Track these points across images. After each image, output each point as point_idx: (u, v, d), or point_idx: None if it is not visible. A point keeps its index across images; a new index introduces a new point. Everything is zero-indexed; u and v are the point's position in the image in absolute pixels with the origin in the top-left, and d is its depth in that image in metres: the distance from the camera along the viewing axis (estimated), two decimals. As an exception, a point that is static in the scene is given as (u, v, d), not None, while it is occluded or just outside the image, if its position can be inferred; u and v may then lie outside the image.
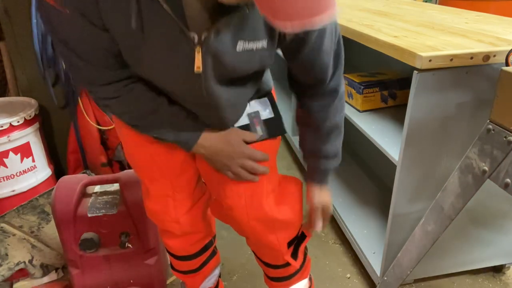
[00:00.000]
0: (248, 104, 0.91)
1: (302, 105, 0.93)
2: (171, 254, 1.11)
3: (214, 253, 1.17)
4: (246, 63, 0.74)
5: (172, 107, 0.83)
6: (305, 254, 1.10)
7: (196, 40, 0.66)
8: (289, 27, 0.47)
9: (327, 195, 1.01)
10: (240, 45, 0.70)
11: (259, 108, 0.92)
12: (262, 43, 0.72)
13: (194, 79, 0.72)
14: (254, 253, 1.10)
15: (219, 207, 0.99)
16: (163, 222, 1.02)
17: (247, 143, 0.89)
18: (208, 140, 0.86)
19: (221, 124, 0.87)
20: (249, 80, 0.85)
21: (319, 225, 1.02)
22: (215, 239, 1.18)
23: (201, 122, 0.86)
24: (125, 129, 0.91)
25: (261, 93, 0.94)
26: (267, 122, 0.92)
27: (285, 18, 0.46)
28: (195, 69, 0.69)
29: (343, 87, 0.92)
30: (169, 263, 1.18)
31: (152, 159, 0.93)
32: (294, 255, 1.03)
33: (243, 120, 0.91)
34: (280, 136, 0.98)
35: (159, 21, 0.64)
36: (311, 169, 1.00)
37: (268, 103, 0.94)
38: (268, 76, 0.95)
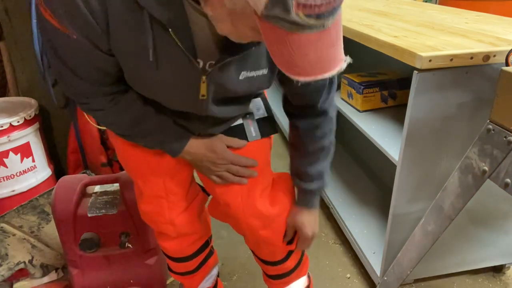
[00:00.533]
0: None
1: (292, 125, 0.95)
2: (168, 256, 1.11)
3: (211, 253, 1.17)
4: (246, 88, 0.77)
5: (159, 116, 0.84)
6: (302, 252, 1.10)
7: (201, 67, 0.69)
8: (301, 79, 0.50)
9: (315, 220, 1.03)
10: (243, 75, 0.73)
11: (253, 109, 0.94)
12: (263, 71, 0.75)
13: (197, 103, 0.75)
14: (253, 252, 1.10)
15: (217, 205, 1.01)
16: (157, 223, 1.01)
17: (233, 148, 0.91)
18: (193, 147, 0.88)
19: (214, 128, 0.89)
20: (246, 99, 0.88)
21: (303, 248, 1.05)
22: (211, 240, 1.18)
23: (188, 129, 0.88)
24: None
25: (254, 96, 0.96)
26: (260, 122, 0.94)
27: (300, 73, 0.50)
28: (200, 96, 0.73)
29: (335, 112, 0.94)
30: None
31: (145, 159, 0.93)
32: (290, 243, 1.03)
33: (238, 121, 0.93)
34: (273, 135, 0.99)
35: (170, 51, 0.66)
36: (301, 192, 1.01)
37: (262, 103, 0.96)
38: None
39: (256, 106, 0.96)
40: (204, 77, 0.70)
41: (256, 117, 0.94)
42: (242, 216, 0.95)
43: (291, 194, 1.02)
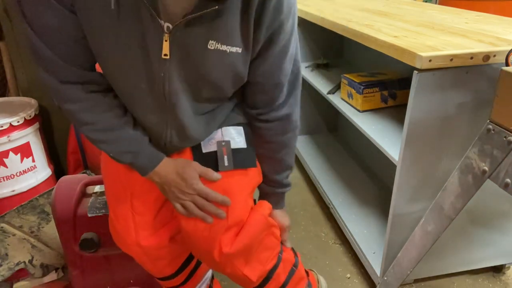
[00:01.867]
0: (220, 130, 0.90)
1: (256, 132, 0.93)
2: (152, 275, 1.06)
3: (199, 263, 1.11)
4: (217, 65, 0.74)
5: (136, 130, 0.83)
6: (291, 272, 1.03)
7: (165, 28, 0.68)
8: None
9: (286, 215, 1.06)
10: (212, 44, 0.71)
11: (232, 136, 0.90)
12: (237, 49, 0.74)
13: (159, 72, 0.72)
14: None
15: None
16: (125, 244, 0.96)
17: (206, 178, 0.85)
18: (164, 169, 0.84)
19: (181, 138, 0.85)
20: (218, 101, 0.85)
21: (289, 244, 1.06)
22: None
23: (161, 149, 0.86)
24: None
25: (238, 121, 0.93)
26: (237, 152, 0.89)
27: None
28: (162, 56, 0.70)
29: (298, 122, 0.93)
30: None
31: (118, 175, 0.91)
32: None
33: (211, 147, 0.88)
34: (255, 170, 0.94)
35: (133, 4, 0.65)
36: (269, 195, 1.01)
37: (243, 132, 0.92)
38: (241, 110, 0.95)
39: (236, 133, 0.91)
40: (166, 35, 0.68)
41: (233, 147, 0.89)
42: (201, 249, 0.89)
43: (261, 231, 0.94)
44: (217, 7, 0.67)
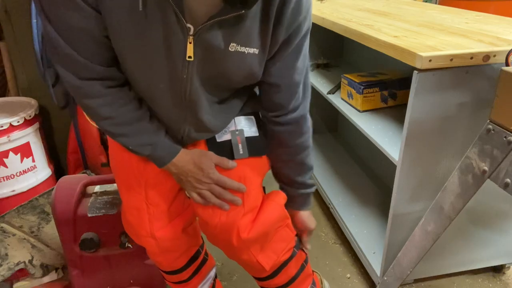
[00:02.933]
0: (233, 120, 0.92)
1: (276, 136, 0.94)
2: (159, 268, 1.08)
3: (204, 260, 1.13)
4: (236, 66, 0.76)
5: (153, 122, 0.84)
6: (300, 269, 1.05)
7: (191, 31, 0.69)
8: None
9: (312, 218, 1.06)
10: (233, 47, 0.73)
11: (244, 126, 0.93)
12: (254, 50, 0.75)
13: (184, 68, 0.73)
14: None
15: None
16: (138, 237, 0.97)
17: (222, 168, 0.88)
18: (181, 160, 0.86)
19: (199, 131, 0.87)
20: (234, 96, 0.87)
21: (309, 246, 1.07)
22: (203, 248, 1.15)
23: (177, 141, 0.87)
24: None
25: (249, 111, 0.95)
26: (250, 140, 0.92)
27: None
28: (187, 58, 0.71)
29: (310, 121, 0.95)
30: None
31: (130, 167, 0.92)
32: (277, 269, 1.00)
33: (225, 136, 0.91)
34: (265, 157, 0.97)
35: (159, 6, 0.66)
36: (292, 198, 1.01)
37: (254, 121, 0.95)
38: (258, 99, 0.96)
39: (248, 122, 0.94)
40: (191, 38, 0.70)
41: (246, 135, 0.92)
42: (219, 236, 0.91)
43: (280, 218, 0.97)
44: (243, 11, 0.68)
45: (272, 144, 0.96)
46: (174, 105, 0.81)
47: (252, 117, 0.95)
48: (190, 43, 0.70)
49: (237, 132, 0.91)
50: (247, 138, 0.91)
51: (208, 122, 0.85)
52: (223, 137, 0.91)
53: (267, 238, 0.93)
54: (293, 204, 1.03)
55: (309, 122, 0.95)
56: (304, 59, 0.85)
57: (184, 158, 0.87)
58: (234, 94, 0.89)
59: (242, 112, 0.94)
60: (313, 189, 1.03)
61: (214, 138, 0.92)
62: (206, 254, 1.17)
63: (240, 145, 0.90)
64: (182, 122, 0.85)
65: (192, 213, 1.02)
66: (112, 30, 0.70)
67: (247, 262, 0.96)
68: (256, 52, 0.76)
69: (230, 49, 0.73)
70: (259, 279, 1.05)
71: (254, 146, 0.92)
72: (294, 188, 1.01)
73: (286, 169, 0.99)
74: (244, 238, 0.88)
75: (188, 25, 0.68)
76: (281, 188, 1.02)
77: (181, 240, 1.00)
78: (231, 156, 0.89)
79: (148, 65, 0.74)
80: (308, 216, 1.05)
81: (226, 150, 0.90)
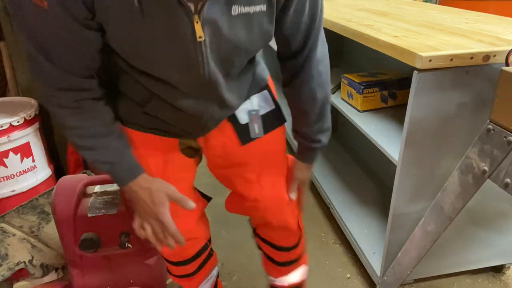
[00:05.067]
0: (249, 100, 0.93)
1: (289, 85, 0.92)
2: (166, 260, 1.10)
3: (210, 255, 1.16)
4: (245, 32, 0.73)
5: (121, 140, 0.83)
6: (304, 242, 1.16)
7: (193, 9, 0.66)
8: None
9: (311, 172, 1.06)
10: (236, 9, 0.70)
11: (260, 104, 0.94)
12: (260, 7, 0.72)
13: (197, 50, 0.71)
14: (266, 241, 1.12)
15: (239, 201, 1.03)
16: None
17: (180, 205, 0.87)
18: (138, 185, 0.84)
19: (221, 110, 0.85)
20: (246, 68, 0.85)
21: (293, 195, 1.05)
22: (210, 242, 1.17)
23: (201, 128, 0.86)
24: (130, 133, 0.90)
25: (259, 86, 0.94)
26: (266, 116, 0.94)
27: None
28: (198, 38, 0.68)
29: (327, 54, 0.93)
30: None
31: (148, 167, 0.91)
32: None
33: (244, 118, 0.92)
34: (285, 123, 1.01)
35: None
36: (303, 149, 1.01)
37: (268, 95, 0.96)
38: (262, 66, 0.96)
39: (264, 100, 0.95)
40: (196, 16, 0.67)
41: (262, 113, 0.94)
42: (270, 206, 1.00)
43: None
44: None
45: (292, 96, 0.94)
46: (194, 91, 0.78)
47: (265, 91, 0.95)
48: (197, 22, 0.67)
49: (253, 112, 0.93)
50: (263, 116, 0.94)
51: (228, 97, 0.83)
52: (242, 119, 0.93)
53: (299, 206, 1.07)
54: (301, 155, 1.02)
55: (325, 66, 0.92)
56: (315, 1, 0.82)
57: (142, 184, 0.84)
58: (246, 66, 0.87)
59: (256, 88, 0.94)
60: (318, 145, 1.00)
61: (238, 121, 0.93)
62: (211, 249, 1.18)
63: (256, 125, 0.93)
64: (205, 107, 0.82)
65: (203, 204, 1.08)
66: (114, 31, 0.68)
67: (288, 224, 1.05)
68: (264, 9, 0.73)
69: (233, 13, 0.70)
70: (286, 249, 1.12)
71: (270, 122, 0.95)
72: (299, 137, 1.00)
73: (297, 120, 0.97)
74: (288, 199, 1.01)
75: (189, 4, 0.65)
76: (294, 138, 1.02)
77: (194, 232, 1.05)
78: (249, 136, 0.93)
79: (161, 58, 0.71)
80: (302, 168, 1.03)
81: (242, 131, 0.93)
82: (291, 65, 0.89)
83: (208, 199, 1.10)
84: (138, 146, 0.89)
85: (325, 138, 0.98)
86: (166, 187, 0.85)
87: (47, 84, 0.73)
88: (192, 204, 0.85)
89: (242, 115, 0.93)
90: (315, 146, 0.98)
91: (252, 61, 0.90)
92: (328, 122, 0.97)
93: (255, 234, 1.17)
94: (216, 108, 0.84)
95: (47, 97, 0.76)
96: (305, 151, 1.01)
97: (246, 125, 0.93)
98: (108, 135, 0.81)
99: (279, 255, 1.14)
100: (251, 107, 0.93)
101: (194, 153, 0.98)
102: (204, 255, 1.13)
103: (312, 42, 0.86)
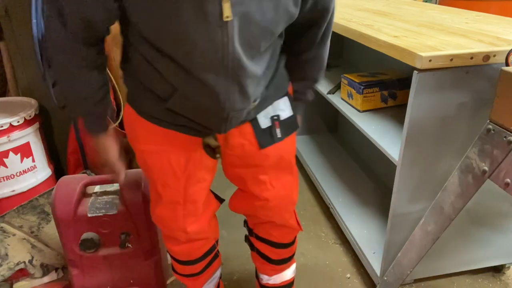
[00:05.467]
0: (271, 105, 0.95)
1: (294, 58, 0.98)
2: (174, 259, 1.12)
3: (216, 256, 1.19)
4: (271, 12, 0.73)
5: (107, 99, 0.89)
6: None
7: None
8: None
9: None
10: None
11: (281, 109, 0.97)
12: None
13: (222, 38, 0.70)
14: (264, 239, 1.15)
15: (248, 200, 1.05)
16: (170, 229, 1.03)
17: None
18: (97, 140, 0.94)
19: (242, 98, 0.84)
20: (270, 46, 0.84)
21: None
22: (217, 243, 1.19)
23: (223, 121, 0.86)
24: (148, 133, 0.91)
25: (283, 91, 0.98)
26: (285, 122, 0.98)
27: None
28: (224, 18, 0.68)
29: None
30: (169, 262, 1.18)
31: (170, 166, 0.93)
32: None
33: (266, 123, 0.95)
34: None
35: None
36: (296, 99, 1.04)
37: (288, 102, 0.98)
38: (285, 73, 0.98)
39: (285, 106, 0.98)
40: None
41: (282, 118, 0.97)
42: (278, 206, 1.05)
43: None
44: None
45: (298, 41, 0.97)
46: (218, 76, 0.77)
47: (286, 97, 0.98)
48: (226, 2, 0.66)
49: (275, 117, 0.96)
50: (282, 121, 0.97)
51: (249, 86, 0.82)
52: (264, 124, 0.96)
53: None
54: (298, 109, 1.04)
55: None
56: None
57: (100, 141, 0.94)
58: (269, 58, 0.88)
59: (277, 96, 0.97)
60: (303, 98, 1.06)
61: (259, 125, 0.95)
62: (218, 251, 1.20)
63: (278, 129, 0.97)
64: (227, 92, 0.80)
65: (215, 205, 1.10)
66: (141, 8, 0.70)
67: (288, 222, 1.10)
68: None
69: None
70: (284, 246, 1.15)
71: (289, 127, 0.99)
72: (303, 91, 1.05)
73: (301, 68, 1.02)
74: (295, 200, 1.09)
75: None
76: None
77: (207, 231, 1.08)
78: (273, 140, 0.97)
79: (184, 35, 0.71)
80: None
81: (266, 135, 0.96)
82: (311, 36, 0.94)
83: (221, 201, 1.12)
84: (161, 142, 0.90)
85: (310, 95, 1.06)
86: (111, 150, 0.96)
87: (53, 42, 0.80)
88: (121, 178, 1.01)
89: (263, 120, 0.95)
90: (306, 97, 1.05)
91: (273, 54, 0.90)
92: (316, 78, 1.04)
93: (251, 234, 1.19)
94: (236, 96, 0.82)
95: (51, 48, 0.83)
96: (296, 103, 1.04)
97: (266, 129, 0.95)
98: (88, 97, 0.87)
99: (276, 252, 1.16)
100: (273, 113, 0.95)
101: (212, 153, 0.98)
102: (211, 256, 1.15)
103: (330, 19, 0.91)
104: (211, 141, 0.94)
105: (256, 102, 0.90)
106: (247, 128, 0.94)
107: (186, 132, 0.90)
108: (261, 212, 1.07)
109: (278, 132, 0.97)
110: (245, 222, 1.21)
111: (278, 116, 0.96)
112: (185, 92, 0.81)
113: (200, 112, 0.85)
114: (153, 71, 0.80)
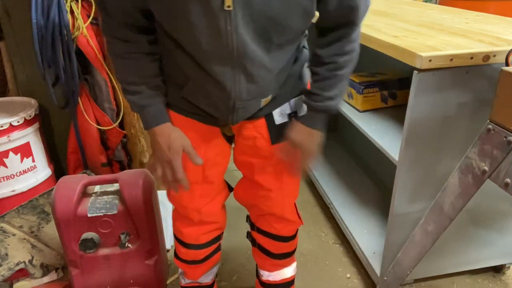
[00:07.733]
0: (288, 103, 0.97)
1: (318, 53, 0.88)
2: (180, 242, 1.14)
3: (218, 248, 1.22)
4: (281, 4, 0.72)
5: (155, 90, 0.89)
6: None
7: None
8: None
9: (315, 140, 0.96)
10: None
11: (298, 108, 0.98)
12: None
13: (225, 26, 0.71)
14: (266, 232, 1.16)
15: (253, 189, 1.07)
16: (185, 208, 1.06)
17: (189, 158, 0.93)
18: (160, 131, 0.90)
19: (250, 91, 0.83)
20: (288, 44, 0.83)
21: (281, 154, 0.99)
22: (222, 236, 1.22)
23: (230, 111, 0.87)
24: (172, 119, 0.92)
25: (300, 90, 0.98)
26: (300, 119, 0.98)
27: None
28: (225, 7, 0.69)
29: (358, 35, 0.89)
30: (172, 252, 1.20)
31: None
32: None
33: (279, 119, 0.97)
34: None
35: None
36: (308, 110, 0.95)
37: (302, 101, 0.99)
38: (306, 71, 0.98)
39: (301, 104, 0.98)
40: None
41: (299, 115, 0.99)
42: (280, 197, 1.06)
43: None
44: None
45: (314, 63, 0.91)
46: (224, 64, 0.77)
47: (302, 96, 0.97)
48: None
49: (292, 114, 0.98)
50: (300, 117, 0.98)
51: (258, 74, 0.81)
52: (281, 120, 0.97)
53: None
54: (306, 118, 0.96)
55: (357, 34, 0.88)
56: None
57: (164, 131, 0.90)
58: (290, 45, 0.85)
59: (295, 94, 0.97)
60: (323, 108, 0.92)
61: (274, 121, 0.97)
62: (220, 244, 1.23)
63: None
64: (235, 84, 0.81)
65: (227, 193, 1.14)
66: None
67: (289, 216, 1.11)
68: None
69: None
70: (285, 239, 1.17)
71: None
72: (307, 99, 0.94)
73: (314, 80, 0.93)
74: (296, 194, 1.12)
75: None
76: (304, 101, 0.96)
77: (218, 216, 1.13)
78: (284, 137, 0.96)
79: (189, 23, 0.72)
80: (306, 132, 0.95)
81: (283, 131, 0.96)
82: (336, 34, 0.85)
83: (231, 189, 1.15)
84: (181, 129, 0.92)
85: (334, 103, 0.91)
86: (183, 139, 0.91)
87: (105, 32, 0.85)
88: (199, 161, 0.92)
89: (278, 117, 0.97)
90: (321, 107, 0.90)
91: (297, 52, 0.91)
92: (339, 90, 0.91)
93: (253, 229, 1.21)
94: (243, 86, 0.81)
95: (107, 43, 0.88)
96: (308, 111, 0.94)
97: (280, 126, 0.97)
98: (143, 83, 0.87)
99: (277, 246, 1.17)
100: (289, 110, 0.97)
101: (229, 140, 1.04)
102: (215, 245, 1.18)
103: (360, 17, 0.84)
104: (226, 131, 1.01)
105: (269, 98, 0.91)
106: (262, 123, 0.97)
107: (203, 121, 0.94)
108: (263, 202, 1.09)
109: None
110: (248, 217, 1.22)
111: (295, 113, 0.98)
112: (196, 81, 0.84)
113: (209, 101, 0.88)
114: (172, 60, 0.85)
